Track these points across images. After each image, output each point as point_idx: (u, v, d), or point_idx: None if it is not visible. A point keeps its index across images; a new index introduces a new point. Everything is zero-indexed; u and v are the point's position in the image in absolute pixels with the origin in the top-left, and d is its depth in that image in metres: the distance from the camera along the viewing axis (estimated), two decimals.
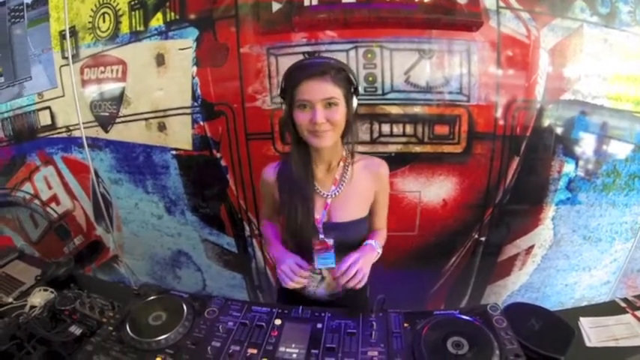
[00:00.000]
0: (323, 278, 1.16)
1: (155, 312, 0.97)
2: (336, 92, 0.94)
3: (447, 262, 1.89)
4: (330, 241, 1.05)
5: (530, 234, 1.79)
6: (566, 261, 1.86)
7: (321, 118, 0.93)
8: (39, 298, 1.08)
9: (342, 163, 1.09)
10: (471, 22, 1.49)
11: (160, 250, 2.15)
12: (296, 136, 1.02)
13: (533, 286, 1.93)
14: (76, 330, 0.96)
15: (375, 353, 0.87)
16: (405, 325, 0.94)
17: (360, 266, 0.99)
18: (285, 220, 1.10)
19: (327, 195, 1.08)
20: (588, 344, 0.90)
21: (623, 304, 1.01)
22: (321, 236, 1.05)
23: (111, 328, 0.92)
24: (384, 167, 1.12)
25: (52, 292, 1.11)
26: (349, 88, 0.98)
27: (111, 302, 1.06)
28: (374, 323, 0.95)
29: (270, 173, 1.14)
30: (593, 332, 0.93)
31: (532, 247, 1.82)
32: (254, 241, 1.97)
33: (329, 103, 0.94)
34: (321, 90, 0.93)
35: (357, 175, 1.08)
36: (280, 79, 1.03)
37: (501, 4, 1.49)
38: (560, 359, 0.86)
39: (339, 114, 0.96)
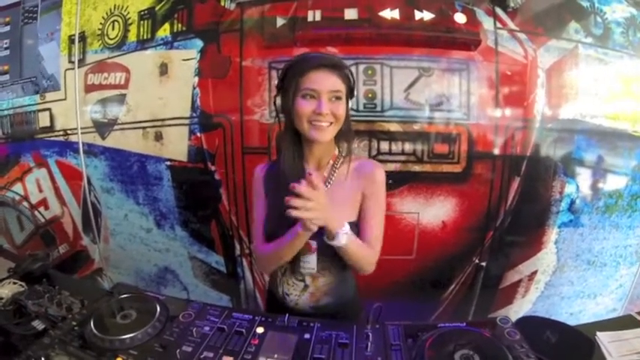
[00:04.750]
0: (306, 286, 1.08)
1: (125, 310, 0.90)
2: (341, 86, 0.95)
3: (446, 290, 1.79)
4: (314, 244, 1.00)
5: (532, 259, 1.72)
6: (570, 287, 1.77)
7: (326, 109, 0.92)
8: (7, 289, 1.03)
9: (331, 162, 1.06)
10: (469, 40, 1.53)
11: (147, 265, 2.07)
12: (291, 129, 1.00)
13: (537, 314, 1.79)
14: (38, 325, 0.90)
15: None
16: (406, 337, 0.86)
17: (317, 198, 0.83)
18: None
19: None
20: (610, 359, 0.84)
21: (639, 318, 0.96)
22: None
23: (74, 323, 0.85)
24: (377, 169, 1.06)
25: (21, 285, 1.05)
26: (349, 86, 0.99)
27: (81, 300, 0.99)
28: (370, 335, 0.86)
29: (259, 172, 1.11)
30: (613, 346, 0.89)
31: (535, 272, 1.74)
32: (244, 260, 1.89)
33: (334, 97, 0.94)
34: (330, 81, 0.93)
35: (347, 176, 1.04)
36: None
37: (498, 24, 1.54)
38: None
39: (343, 109, 0.96)
